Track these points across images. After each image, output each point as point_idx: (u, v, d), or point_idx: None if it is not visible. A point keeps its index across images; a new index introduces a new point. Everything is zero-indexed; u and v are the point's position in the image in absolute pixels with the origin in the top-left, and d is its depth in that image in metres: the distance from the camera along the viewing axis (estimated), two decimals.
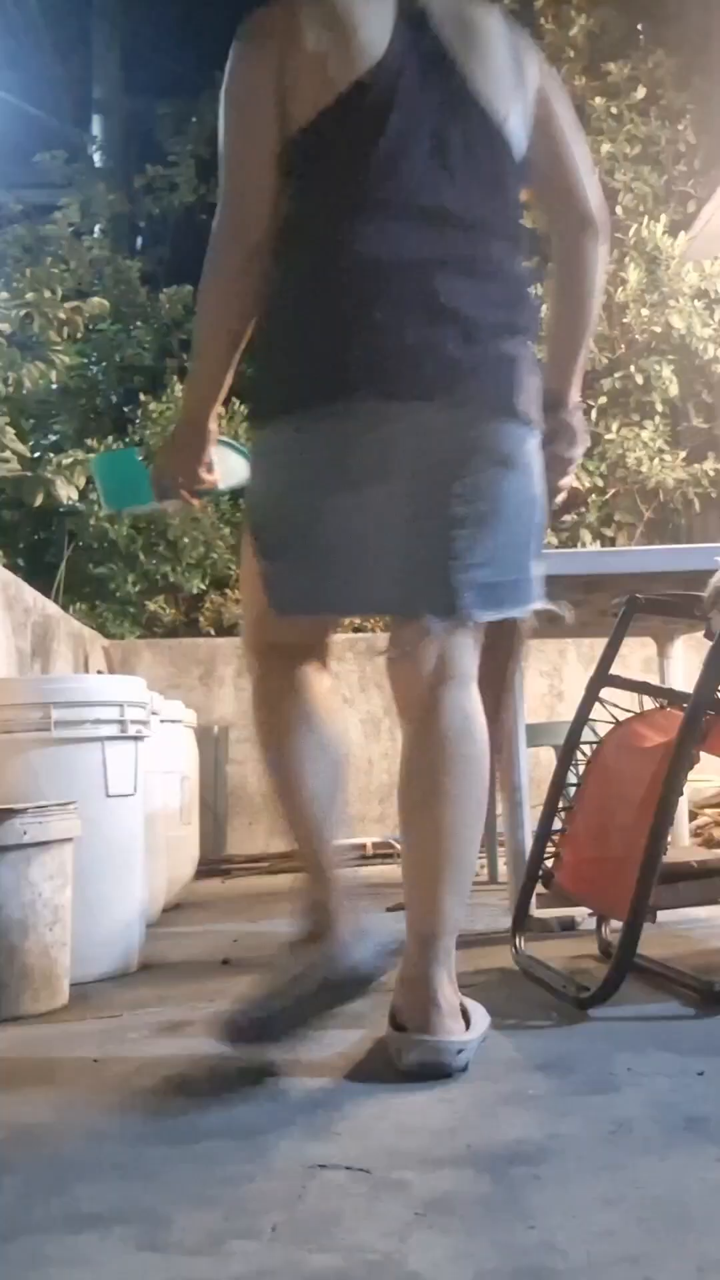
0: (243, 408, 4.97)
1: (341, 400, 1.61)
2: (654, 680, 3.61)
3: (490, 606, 1.65)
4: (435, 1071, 1.53)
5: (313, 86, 1.62)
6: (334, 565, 1.65)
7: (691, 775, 2.02)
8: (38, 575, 5.74)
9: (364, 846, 4.58)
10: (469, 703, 1.66)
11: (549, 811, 2.26)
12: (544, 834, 2.26)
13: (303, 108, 1.63)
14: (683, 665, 3.77)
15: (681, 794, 1.93)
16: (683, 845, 3.57)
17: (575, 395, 1.86)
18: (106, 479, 2.14)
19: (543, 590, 1.72)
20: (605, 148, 6.80)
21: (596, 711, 2.29)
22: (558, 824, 2.25)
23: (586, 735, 2.30)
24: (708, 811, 4.41)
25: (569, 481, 1.89)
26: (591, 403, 6.77)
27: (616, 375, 6.72)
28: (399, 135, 1.62)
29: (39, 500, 4.87)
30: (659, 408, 6.73)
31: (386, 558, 1.62)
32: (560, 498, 1.90)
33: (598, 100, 6.82)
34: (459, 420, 1.61)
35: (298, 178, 1.67)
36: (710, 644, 1.96)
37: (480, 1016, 1.66)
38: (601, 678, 2.30)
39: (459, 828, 1.63)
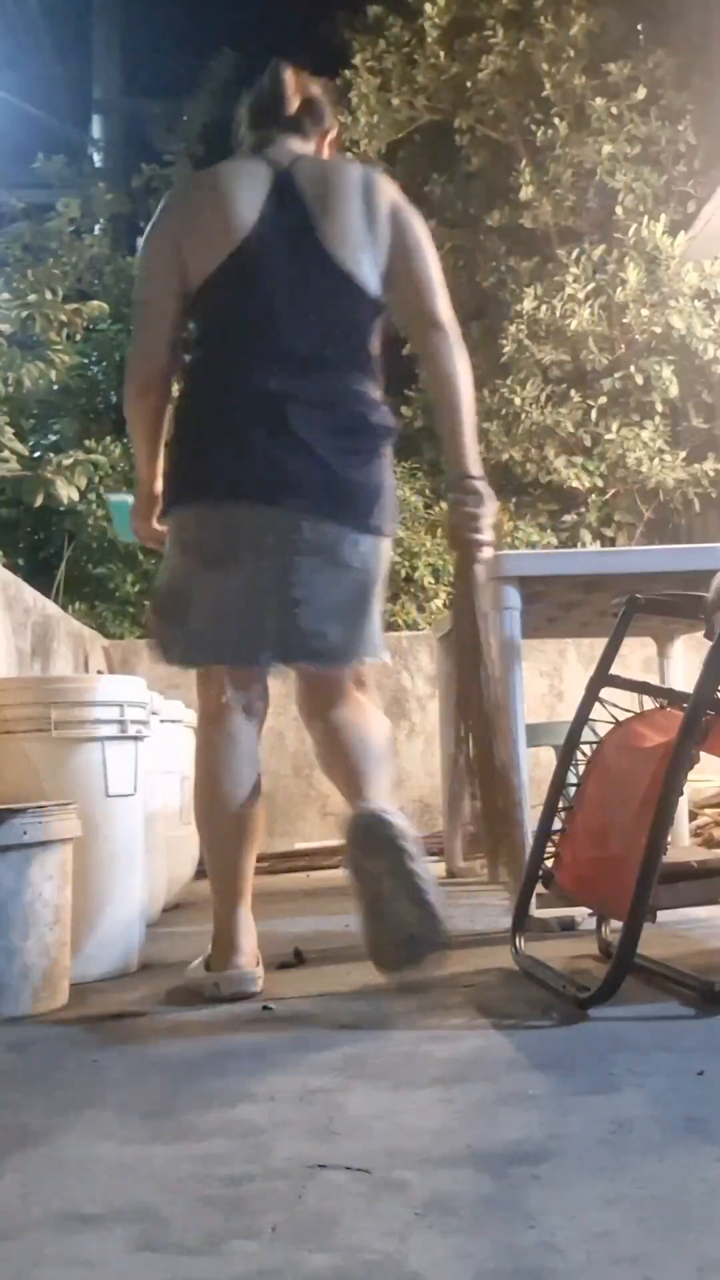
0: None
1: (217, 501, 2.10)
2: (654, 680, 3.61)
3: (326, 662, 2.12)
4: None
5: (201, 257, 2.10)
6: (209, 627, 2.12)
7: (691, 775, 2.02)
8: (37, 575, 5.74)
9: None
10: (351, 700, 2.17)
11: (549, 811, 2.26)
12: (544, 834, 2.26)
13: (195, 273, 2.11)
14: (683, 665, 3.77)
15: (681, 794, 1.93)
16: (683, 845, 3.57)
17: (471, 467, 2.19)
18: (117, 519, 2.71)
19: (375, 645, 2.18)
20: (606, 149, 6.80)
21: (596, 711, 2.29)
22: (558, 824, 2.25)
23: (586, 735, 2.30)
24: (708, 811, 4.41)
25: (483, 538, 2.21)
26: (591, 403, 6.78)
27: (616, 375, 6.72)
28: (266, 293, 2.09)
29: (39, 500, 4.87)
30: (659, 408, 6.74)
31: (245, 622, 2.09)
32: (483, 553, 2.23)
33: (598, 101, 6.82)
34: (294, 521, 2.06)
35: (195, 326, 2.18)
36: (710, 644, 1.96)
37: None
38: (601, 678, 2.30)
39: (368, 733, 2.14)
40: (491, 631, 2.29)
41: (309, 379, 2.08)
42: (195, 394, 2.17)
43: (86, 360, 7.82)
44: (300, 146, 2.23)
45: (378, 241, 2.13)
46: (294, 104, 2.26)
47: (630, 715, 2.24)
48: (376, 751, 2.15)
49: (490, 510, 2.19)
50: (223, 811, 2.16)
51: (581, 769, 2.25)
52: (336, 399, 2.10)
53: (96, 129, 11.92)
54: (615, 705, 2.25)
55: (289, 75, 2.27)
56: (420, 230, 2.19)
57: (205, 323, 2.16)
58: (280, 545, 2.07)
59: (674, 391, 6.66)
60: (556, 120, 6.95)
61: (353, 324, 2.12)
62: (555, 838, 2.25)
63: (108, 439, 6.65)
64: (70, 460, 4.95)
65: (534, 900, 2.29)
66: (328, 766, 2.23)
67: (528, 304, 6.77)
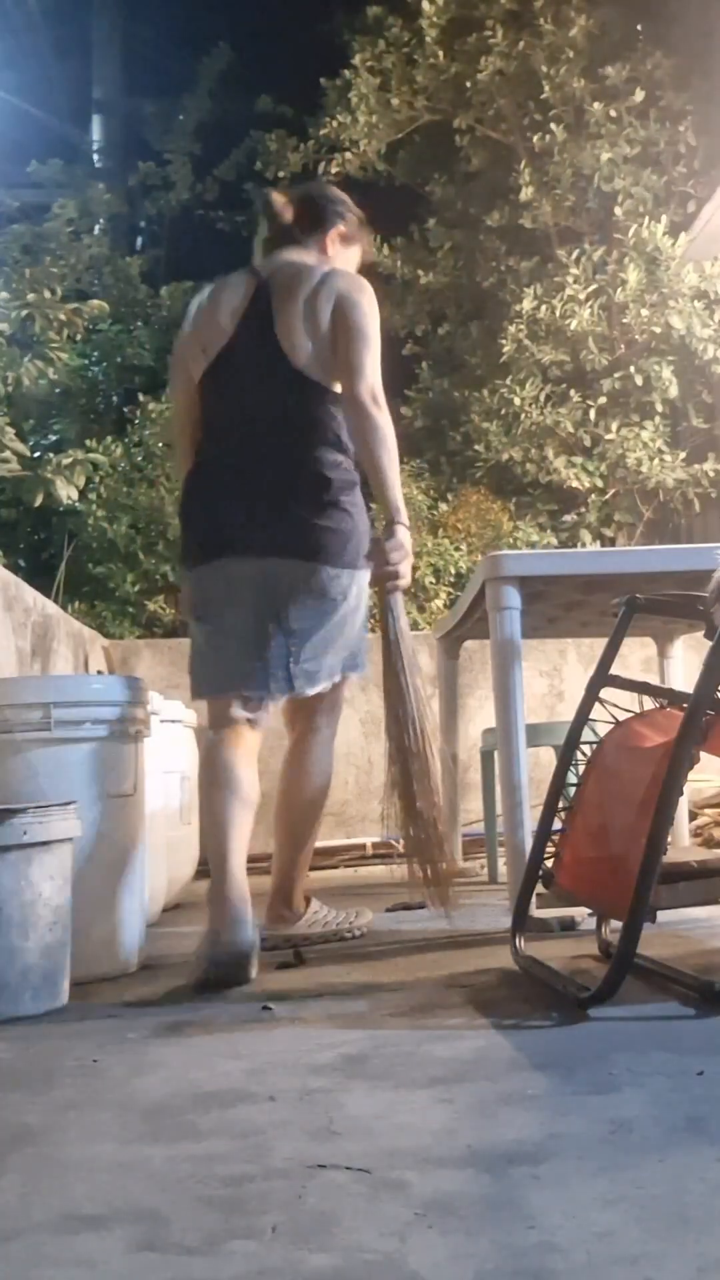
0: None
1: (203, 561, 2.55)
2: (654, 680, 3.61)
3: (312, 685, 2.52)
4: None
5: (196, 362, 2.62)
6: (217, 664, 2.53)
7: (691, 775, 2.01)
8: (38, 575, 5.74)
9: (364, 847, 4.58)
10: (319, 744, 2.65)
11: (549, 811, 2.26)
12: (544, 834, 2.26)
13: (195, 373, 2.62)
14: (683, 665, 3.77)
15: (681, 794, 1.93)
16: (683, 845, 3.57)
17: (394, 515, 2.53)
18: None
19: (358, 663, 2.63)
20: (605, 155, 6.79)
21: (596, 711, 2.29)
22: (558, 824, 2.25)
23: (586, 735, 2.30)
24: (708, 811, 4.41)
25: (394, 569, 2.54)
26: (591, 403, 6.77)
27: (616, 375, 6.72)
28: (235, 388, 2.57)
29: (39, 500, 4.87)
30: (659, 408, 6.73)
31: (249, 657, 2.48)
32: (398, 581, 2.57)
33: (596, 106, 6.80)
34: (281, 567, 2.46)
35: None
36: (710, 644, 1.96)
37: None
38: (601, 678, 2.30)
39: (308, 815, 2.66)
40: (410, 657, 2.60)
41: (274, 452, 2.50)
42: (190, 474, 2.65)
43: (87, 361, 7.82)
44: (296, 253, 2.63)
45: (319, 333, 2.51)
46: (285, 217, 2.68)
47: (630, 715, 2.24)
48: (303, 826, 2.66)
49: (406, 548, 2.55)
50: (220, 787, 2.44)
51: (581, 769, 2.26)
52: (299, 466, 2.49)
53: (96, 129, 11.92)
54: (615, 705, 2.25)
55: (274, 196, 2.71)
56: (357, 320, 2.51)
57: (203, 413, 2.63)
58: (270, 586, 2.46)
59: (674, 391, 6.66)
60: (554, 126, 6.94)
61: (304, 405, 2.51)
62: (555, 838, 2.25)
63: (109, 439, 6.65)
64: (69, 460, 4.95)
65: (534, 900, 2.29)
66: (279, 790, 2.68)
67: (527, 304, 6.77)
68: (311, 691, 2.52)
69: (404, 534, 2.54)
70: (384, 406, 2.50)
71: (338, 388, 2.52)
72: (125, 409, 7.41)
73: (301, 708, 2.64)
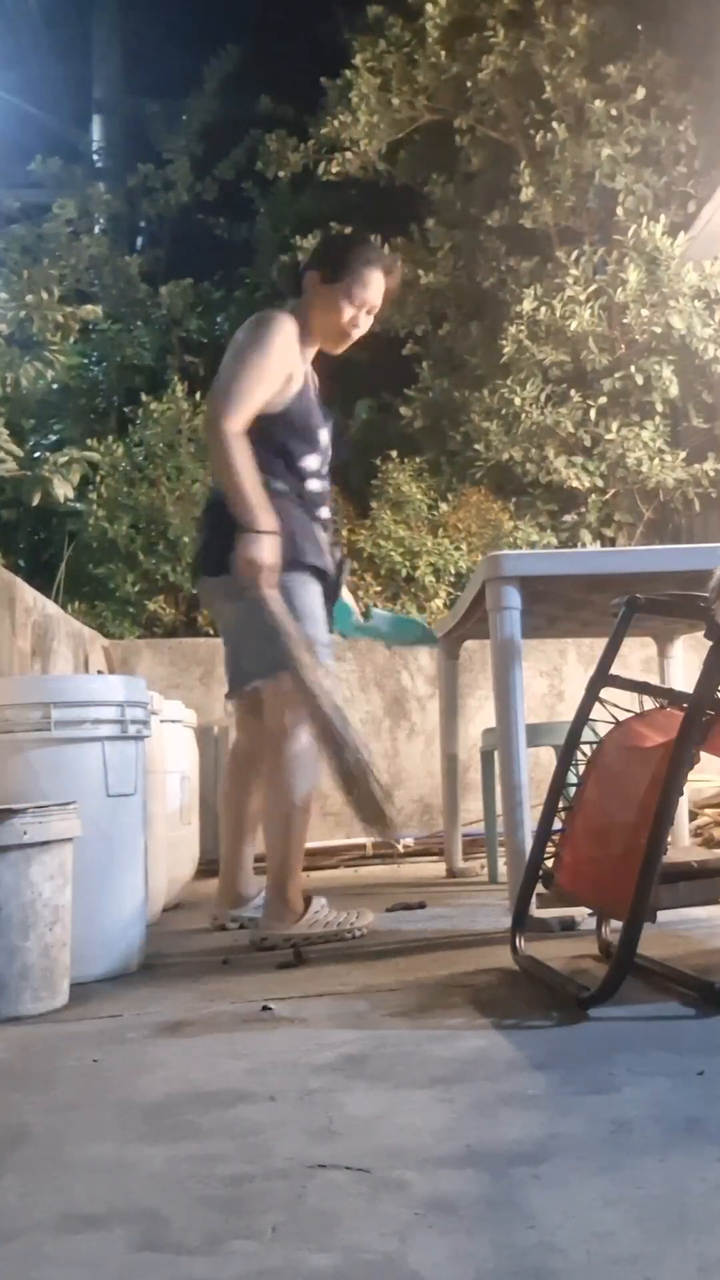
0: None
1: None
2: (654, 680, 3.61)
3: (246, 682, 2.80)
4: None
5: None
6: None
7: (691, 775, 2.01)
8: (37, 575, 5.74)
9: (364, 847, 4.58)
10: (282, 750, 2.73)
11: (549, 811, 2.26)
12: (544, 834, 2.26)
13: None
14: (683, 665, 3.77)
15: (681, 794, 1.93)
16: (683, 845, 3.57)
17: (246, 525, 2.61)
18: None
19: (271, 665, 2.66)
20: (605, 152, 6.78)
21: (596, 711, 2.28)
22: (558, 824, 2.25)
23: (586, 735, 2.30)
24: (708, 811, 4.41)
25: (246, 578, 2.62)
26: (591, 403, 6.77)
27: (616, 375, 6.71)
28: None
29: (36, 499, 4.87)
30: (659, 408, 6.72)
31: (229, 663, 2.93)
32: (255, 582, 2.63)
33: (597, 104, 6.80)
34: (206, 583, 2.83)
35: None
36: (710, 644, 1.96)
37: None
38: (601, 678, 2.30)
39: (276, 817, 2.76)
40: (297, 639, 2.62)
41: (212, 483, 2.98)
42: None
43: (86, 360, 7.82)
44: (291, 304, 2.89)
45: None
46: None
47: (630, 715, 2.24)
48: (274, 829, 2.75)
49: (248, 556, 2.58)
50: (229, 758, 3.05)
51: (581, 769, 2.25)
52: (214, 488, 2.81)
53: (96, 129, 11.92)
54: (615, 705, 2.24)
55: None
56: (236, 346, 2.72)
57: None
58: (209, 600, 2.93)
59: (674, 391, 6.65)
60: (556, 125, 6.93)
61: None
62: (555, 838, 2.25)
63: (110, 439, 6.65)
64: (66, 458, 4.95)
65: (534, 900, 2.29)
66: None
67: (528, 304, 6.76)
68: (249, 687, 2.80)
69: (244, 542, 2.59)
70: (223, 428, 2.60)
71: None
72: (126, 409, 7.41)
73: (264, 712, 2.77)
